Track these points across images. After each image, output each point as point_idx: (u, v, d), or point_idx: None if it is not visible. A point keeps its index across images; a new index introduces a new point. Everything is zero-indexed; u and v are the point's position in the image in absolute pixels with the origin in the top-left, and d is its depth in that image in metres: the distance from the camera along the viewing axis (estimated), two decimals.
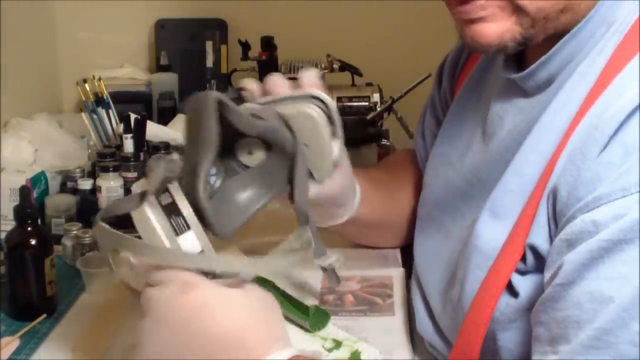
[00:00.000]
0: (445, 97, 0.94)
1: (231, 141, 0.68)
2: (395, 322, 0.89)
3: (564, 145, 0.62)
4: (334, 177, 0.77)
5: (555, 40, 0.67)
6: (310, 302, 0.90)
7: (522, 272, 0.64)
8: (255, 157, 0.68)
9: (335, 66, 1.56)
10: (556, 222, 0.61)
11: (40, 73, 1.66)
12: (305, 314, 0.86)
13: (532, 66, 0.69)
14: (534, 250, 0.62)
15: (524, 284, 0.63)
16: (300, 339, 0.84)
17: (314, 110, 0.72)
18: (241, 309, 0.58)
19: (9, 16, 1.42)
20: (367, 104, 1.51)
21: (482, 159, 0.74)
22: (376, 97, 1.51)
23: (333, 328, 0.86)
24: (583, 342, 0.53)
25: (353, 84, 1.58)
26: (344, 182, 0.82)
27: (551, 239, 0.61)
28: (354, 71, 1.56)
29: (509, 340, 0.65)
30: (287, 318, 0.87)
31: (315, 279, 0.98)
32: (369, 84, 1.56)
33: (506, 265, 0.64)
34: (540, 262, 0.62)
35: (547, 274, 0.59)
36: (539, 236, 0.62)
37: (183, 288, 0.58)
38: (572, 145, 0.61)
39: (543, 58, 0.68)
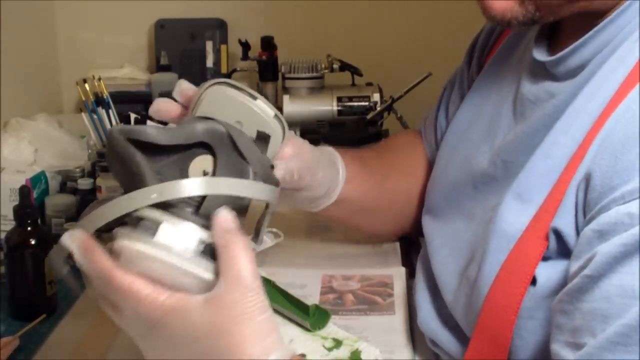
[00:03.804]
0: (473, 73, 0.92)
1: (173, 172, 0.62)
2: (396, 321, 0.89)
3: (598, 129, 0.60)
4: (290, 155, 0.76)
5: (590, 18, 0.65)
6: (310, 301, 0.90)
7: (543, 258, 0.62)
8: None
9: (335, 66, 1.57)
10: (585, 209, 0.59)
11: (40, 73, 1.66)
12: (306, 313, 0.86)
13: (564, 51, 0.67)
14: (558, 234, 0.61)
15: (544, 271, 0.62)
16: (300, 339, 0.84)
17: (216, 86, 0.66)
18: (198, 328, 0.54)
19: (9, 16, 1.42)
20: (367, 103, 1.51)
21: (510, 140, 0.73)
22: (376, 97, 1.52)
23: (333, 327, 0.86)
24: (610, 337, 0.52)
25: (353, 84, 1.58)
26: (307, 158, 0.79)
27: (577, 225, 0.60)
28: (354, 71, 1.56)
29: (522, 327, 0.64)
30: (287, 317, 0.87)
31: (315, 279, 0.98)
32: (369, 84, 1.56)
33: (530, 248, 0.63)
34: (562, 247, 0.61)
35: (575, 264, 0.57)
36: (564, 220, 0.61)
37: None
38: (607, 130, 0.59)
39: (576, 43, 0.66)
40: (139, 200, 0.54)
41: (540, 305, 0.62)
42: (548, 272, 0.62)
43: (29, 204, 0.93)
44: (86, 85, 1.40)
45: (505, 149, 0.73)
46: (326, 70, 1.56)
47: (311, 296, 0.93)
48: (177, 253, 0.54)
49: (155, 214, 0.55)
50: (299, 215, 1.21)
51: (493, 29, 0.90)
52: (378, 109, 1.45)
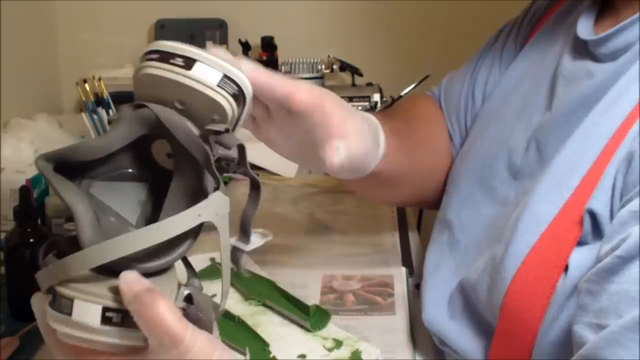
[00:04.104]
0: (518, 49, 0.89)
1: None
2: (396, 322, 0.89)
3: None
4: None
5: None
6: (311, 301, 0.89)
7: (577, 243, 0.61)
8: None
9: (335, 66, 1.57)
10: (622, 192, 0.58)
11: (40, 73, 1.66)
12: (306, 313, 0.86)
13: (607, 32, 0.66)
14: (592, 215, 0.59)
15: (576, 258, 0.60)
16: (300, 339, 0.84)
17: (141, 65, 0.54)
18: None
19: (9, 16, 1.42)
20: (367, 103, 1.51)
21: (545, 120, 0.71)
22: (376, 97, 1.52)
23: (334, 328, 0.86)
24: (635, 317, 0.50)
25: (353, 84, 1.58)
26: (367, 139, 0.70)
27: (612, 207, 0.59)
28: (354, 71, 1.57)
29: (545, 313, 0.62)
30: (287, 318, 0.87)
31: (315, 279, 0.98)
32: (369, 84, 1.56)
33: (564, 233, 0.61)
34: (595, 231, 0.60)
35: (607, 246, 0.56)
36: (599, 202, 0.59)
37: None
38: None
39: (620, 25, 0.65)
40: (50, 278, 0.50)
41: (569, 292, 0.60)
42: (580, 259, 0.60)
43: (29, 204, 0.92)
44: (86, 86, 1.40)
45: (539, 129, 0.71)
46: (326, 70, 1.57)
47: (311, 296, 0.93)
48: (95, 330, 0.49)
49: (67, 290, 0.49)
50: (299, 215, 1.21)
51: (540, 6, 0.88)
52: (378, 109, 1.45)
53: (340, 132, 0.67)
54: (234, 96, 0.54)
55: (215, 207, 0.51)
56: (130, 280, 0.49)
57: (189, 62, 0.53)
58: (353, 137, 0.68)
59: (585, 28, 0.71)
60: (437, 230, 0.85)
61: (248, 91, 0.56)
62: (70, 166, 0.53)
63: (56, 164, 0.52)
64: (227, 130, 0.53)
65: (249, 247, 0.61)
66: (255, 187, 0.56)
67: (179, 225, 0.49)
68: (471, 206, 0.80)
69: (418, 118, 0.95)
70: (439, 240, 0.83)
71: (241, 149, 0.54)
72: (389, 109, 1.07)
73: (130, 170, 0.57)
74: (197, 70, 0.52)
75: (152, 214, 0.57)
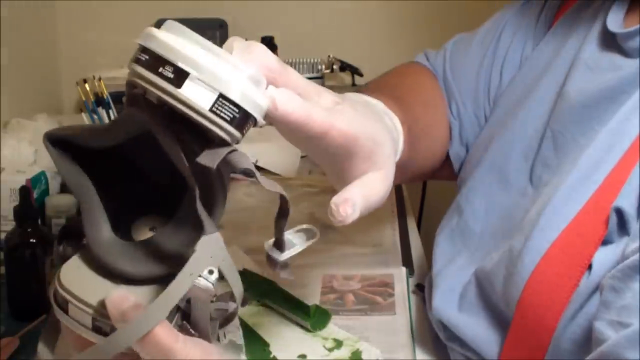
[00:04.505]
0: (547, 28, 0.86)
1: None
2: (397, 322, 0.88)
3: None
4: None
5: None
6: (311, 301, 0.89)
7: (602, 242, 0.60)
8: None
9: (335, 66, 1.57)
10: None
11: (40, 73, 1.66)
12: (306, 313, 0.86)
13: (636, 27, 0.65)
14: (619, 213, 0.58)
15: (600, 256, 0.59)
16: (300, 339, 0.84)
17: (133, 70, 0.45)
18: None
19: (10, 16, 1.42)
20: None
21: (561, 108, 0.70)
22: None
23: (334, 328, 0.86)
24: None
25: (353, 84, 1.58)
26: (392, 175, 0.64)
27: (639, 205, 0.58)
28: (354, 71, 1.57)
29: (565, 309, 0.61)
30: (287, 318, 0.87)
31: (316, 279, 0.98)
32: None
33: (589, 230, 0.60)
34: (621, 228, 0.59)
35: (634, 244, 0.55)
36: (627, 199, 0.58)
37: None
38: None
39: None
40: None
41: (591, 290, 0.59)
42: (604, 257, 0.59)
43: (29, 204, 0.92)
44: (86, 85, 1.40)
45: (555, 117, 0.70)
46: (326, 70, 1.57)
47: (311, 296, 0.93)
48: (88, 332, 0.50)
49: (63, 292, 0.51)
50: (299, 215, 1.21)
51: None
52: None
53: (365, 169, 0.61)
54: (232, 121, 0.45)
55: (203, 261, 0.47)
56: (115, 299, 0.48)
57: (179, 75, 0.43)
58: (376, 175, 0.62)
59: (615, 20, 0.69)
60: (447, 215, 0.83)
61: (258, 110, 0.47)
62: (80, 153, 0.50)
63: (65, 149, 0.50)
64: (231, 151, 0.46)
65: (286, 256, 0.60)
66: (283, 203, 0.53)
67: (177, 291, 0.47)
68: (484, 193, 0.78)
69: (424, 103, 0.90)
70: (448, 225, 0.82)
71: (249, 172, 0.49)
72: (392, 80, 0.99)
73: (145, 160, 0.53)
74: (186, 89, 0.43)
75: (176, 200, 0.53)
